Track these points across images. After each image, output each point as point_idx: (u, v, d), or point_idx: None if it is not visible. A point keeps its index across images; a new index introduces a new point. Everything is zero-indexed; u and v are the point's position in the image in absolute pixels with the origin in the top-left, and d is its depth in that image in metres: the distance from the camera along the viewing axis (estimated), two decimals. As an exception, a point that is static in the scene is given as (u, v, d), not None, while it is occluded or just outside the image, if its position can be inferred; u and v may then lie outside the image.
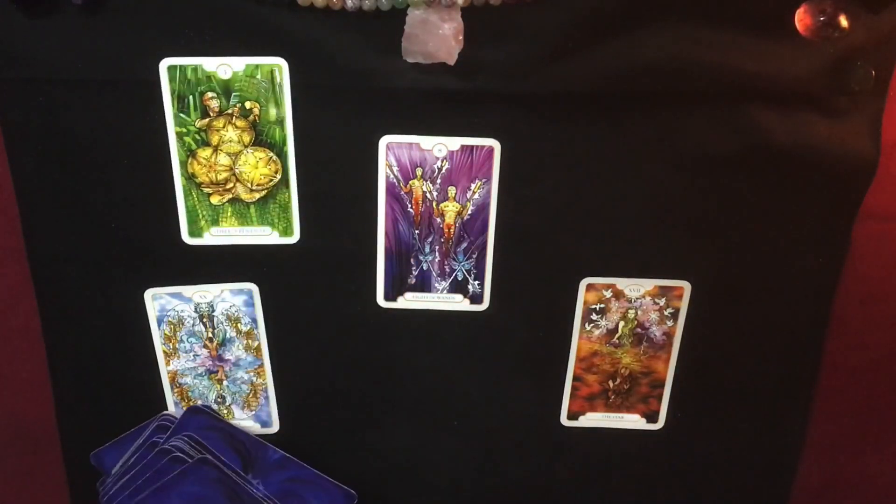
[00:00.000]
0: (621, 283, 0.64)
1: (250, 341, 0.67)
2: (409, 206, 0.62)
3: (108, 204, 0.61)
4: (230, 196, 0.62)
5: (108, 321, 0.65)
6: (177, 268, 0.64)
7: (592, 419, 0.70)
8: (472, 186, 0.61)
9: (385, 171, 0.61)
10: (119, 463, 0.66)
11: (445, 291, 0.65)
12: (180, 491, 0.61)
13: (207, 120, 0.59)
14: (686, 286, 0.64)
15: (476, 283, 0.64)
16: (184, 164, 0.60)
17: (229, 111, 0.59)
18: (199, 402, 0.68)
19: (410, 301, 0.65)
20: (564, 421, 0.70)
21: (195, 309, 0.66)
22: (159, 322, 0.66)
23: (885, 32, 0.56)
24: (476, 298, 0.65)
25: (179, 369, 0.68)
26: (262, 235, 0.63)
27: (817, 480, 0.72)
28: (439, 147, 0.60)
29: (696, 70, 0.57)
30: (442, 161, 0.60)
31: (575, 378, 0.68)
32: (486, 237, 0.63)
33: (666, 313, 0.65)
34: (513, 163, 0.60)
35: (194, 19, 0.56)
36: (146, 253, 0.63)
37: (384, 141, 0.60)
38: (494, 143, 0.60)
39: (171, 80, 0.57)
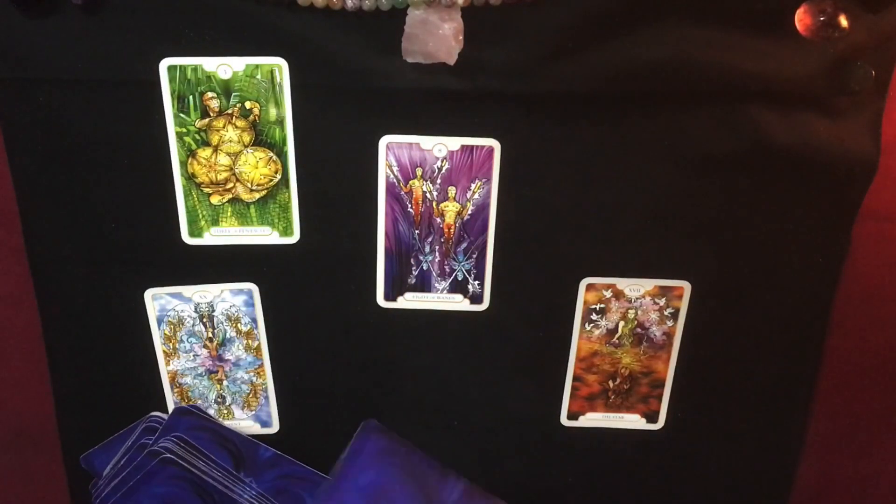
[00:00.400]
0: (621, 283, 0.64)
1: (250, 341, 0.67)
2: (409, 206, 0.62)
3: (108, 204, 0.61)
4: (230, 196, 0.62)
5: (108, 321, 0.65)
6: (177, 268, 0.64)
7: (592, 419, 0.70)
8: (472, 186, 0.61)
9: (385, 171, 0.61)
10: (109, 465, 0.66)
11: (445, 291, 0.65)
12: (148, 493, 0.61)
13: (207, 120, 0.59)
14: (686, 286, 0.64)
15: (476, 283, 0.64)
16: (184, 164, 0.60)
17: (229, 111, 0.59)
18: (187, 403, 0.68)
19: (410, 301, 0.65)
20: (564, 421, 0.70)
21: (195, 309, 0.66)
22: (159, 322, 0.66)
23: (885, 32, 0.56)
24: (476, 298, 0.65)
25: (179, 369, 0.68)
26: (262, 235, 0.63)
27: (817, 480, 0.72)
28: (439, 147, 0.60)
29: (696, 70, 0.57)
30: (442, 161, 0.60)
31: (575, 378, 0.68)
32: (486, 237, 0.63)
33: (666, 313, 0.65)
34: (513, 163, 0.60)
35: (194, 19, 0.56)
36: (146, 253, 0.63)
37: (384, 141, 0.60)
38: (494, 143, 0.60)
39: (171, 80, 0.57)
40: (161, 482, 0.61)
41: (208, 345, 0.67)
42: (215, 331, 0.67)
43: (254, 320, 0.66)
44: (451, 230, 0.63)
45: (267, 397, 0.69)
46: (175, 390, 0.68)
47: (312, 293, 0.65)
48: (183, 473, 0.61)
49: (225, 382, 0.69)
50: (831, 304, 0.66)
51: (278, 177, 0.61)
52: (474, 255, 0.63)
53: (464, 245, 0.63)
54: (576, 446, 0.70)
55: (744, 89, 0.57)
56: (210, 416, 0.67)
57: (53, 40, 0.56)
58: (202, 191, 0.61)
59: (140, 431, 0.66)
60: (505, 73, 0.57)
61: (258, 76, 0.58)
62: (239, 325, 0.66)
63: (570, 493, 0.72)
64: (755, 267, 0.64)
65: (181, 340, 0.67)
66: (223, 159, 0.60)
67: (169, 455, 0.61)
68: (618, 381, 0.68)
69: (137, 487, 0.61)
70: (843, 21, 0.55)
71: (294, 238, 0.63)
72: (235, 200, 0.62)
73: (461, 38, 0.55)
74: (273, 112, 0.59)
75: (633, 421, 0.70)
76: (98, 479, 0.66)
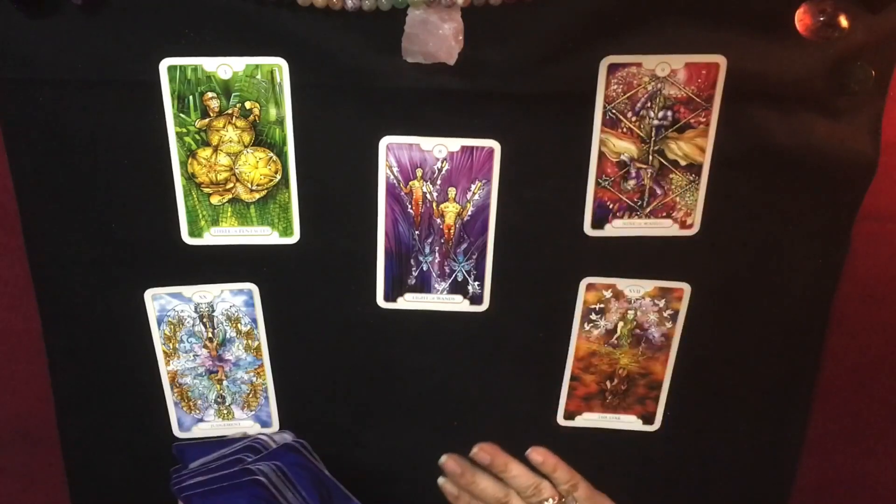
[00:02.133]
0: (621, 284, 0.64)
1: (250, 341, 0.67)
2: (409, 206, 0.62)
3: (108, 204, 0.61)
4: (230, 196, 0.62)
5: (108, 321, 0.65)
6: (177, 268, 0.64)
7: (589, 419, 0.70)
8: (473, 187, 0.61)
9: (385, 171, 0.61)
10: (199, 461, 0.66)
11: (445, 292, 0.65)
12: (228, 501, 0.61)
13: (207, 120, 0.59)
14: (686, 288, 0.64)
15: (476, 283, 0.64)
16: (184, 164, 0.60)
17: (229, 111, 0.59)
18: (290, 438, 0.68)
19: (410, 302, 0.65)
20: (560, 420, 0.70)
21: (195, 309, 0.66)
22: (159, 322, 0.66)
23: (885, 32, 0.56)
24: (476, 299, 0.65)
25: (179, 369, 0.68)
26: (262, 235, 0.63)
27: (817, 480, 0.72)
28: (439, 148, 0.60)
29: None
30: (442, 162, 0.60)
31: (572, 378, 0.68)
32: (486, 238, 0.63)
33: (665, 315, 0.65)
34: (513, 163, 0.60)
35: (194, 19, 0.56)
36: (146, 253, 0.63)
37: (384, 141, 0.60)
38: (494, 144, 0.60)
39: (171, 80, 0.57)
40: (244, 497, 0.61)
41: (208, 345, 0.67)
42: (215, 331, 0.67)
43: (254, 320, 0.66)
44: (451, 231, 0.63)
45: (267, 397, 0.69)
46: (175, 390, 0.68)
47: (312, 293, 0.65)
48: (268, 498, 0.61)
49: (225, 382, 0.69)
50: (831, 304, 0.66)
51: (278, 177, 0.61)
52: (474, 256, 0.63)
53: (464, 246, 0.63)
54: (572, 446, 0.70)
55: (744, 89, 0.57)
56: (315, 458, 0.66)
57: (53, 40, 0.56)
58: (202, 191, 0.61)
59: (241, 446, 0.66)
60: (505, 73, 0.57)
61: (258, 76, 0.58)
62: (239, 325, 0.66)
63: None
64: (755, 268, 0.64)
65: (181, 340, 0.67)
66: (223, 159, 0.61)
67: (262, 478, 0.61)
68: (615, 381, 0.68)
69: (220, 493, 0.61)
70: (843, 21, 0.55)
71: (294, 238, 0.63)
72: (235, 200, 0.62)
73: (461, 38, 0.55)
74: (273, 112, 0.59)
75: (629, 422, 0.70)
76: (182, 467, 0.66)
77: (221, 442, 0.67)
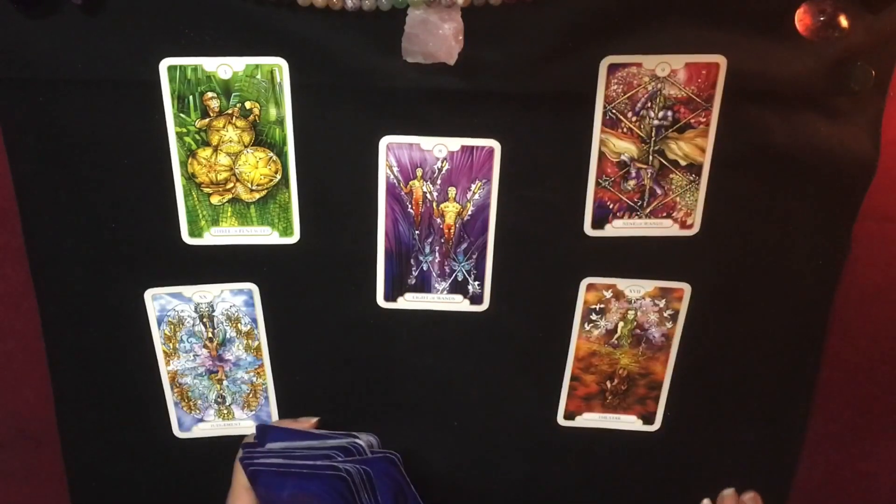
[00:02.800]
0: (622, 284, 0.64)
1: (250, 341, 0.67)
2: (410, 206, 0.62)
3: (108, 204, 0.61)
4: (230, 196, 0.62)
5: (108, 321, 0.65)
6: (177, 268, 0.64)
7: (589, 419, 0.70)
8: (473, 187, 0.61)
9: (385, 171, 0.61)
10: (281, 444, 0.64)
11: (445, 292, 0.65)
12: (299, 484, 0.60)
13: (207, 120, 0.59)
14: (686, 288, 0.64)
15: (476, 283, 0.64)
16: (184, 164, 0.60)
17: (229, 111, 0.59)
18: (375, 441, 0.67)
19: (410, 301, 0.65)
20: (561, 420, 0.70)
21: (195, 309, 0.66)
22: (159, 322, 0.66)
23: (885, 32, 0.56)
24: (476, 299, 0.65)
25: (179, 369, 0.68)
26: (262, 235, 0.63)
27: (817, 480, 0.72)
28: (439, 147, 0.60)
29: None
30: (442, 161, 0.61)
31: (572, 378, 0.68)
32: (486, 238, 0.63)
33: (665, 315, 0.65)
34: (513, 163, 0.60)
35: (194, 19, 0.56)
36: (146, 253, 0.63)
37: (384, 141, 0.60)
38: (494, 144, 0.60)
39: (171, 80, 0.57)
40: (321, 486, 0.60)
41: (208, 345, 0.67)
42: (215, 331, 0.67)
43: (254, 320, 0.66)
44: (452, 231, 0.63)
45: (267, 397, 0.69)
46: (175, 390, 0.68)
47: (312, 293, 0.65)
48: (344, 493, 0.60)
49: (225, 382, 0.69)
50: (831, 304, 0.66)
51: (278, 177, 0.61)
52: (474, 256, 0.63)
53: (464, 245, 0.63)
54: (572, 446, 0.70)
55: (744, 89, 0.57)
56: (407, 478, 0.64)
57: (53, 40, 0.56)
58: (202, 191, 0.61)
59: (336, 444, 0.64)
60: (505, 73, 0.57)
61: (258, 76, 0.58)
62: (239, 325, 0.66)
63: (566, 492, 0.72)
64: (755, 268, 0.64)
65: (181, 340, 0.67)
66: (223, 159, 0.61)
67: (346, 476, 0.60)
68: (615, 381, 0.68)
69: (295, 476, 0.60)
70: (843, 21, 0.55)
71: (294, 238, 0.63)
72: (235, 200, 0.62)
73: (461, 38, 0.55)
74: (273, 112, 0.59)
75: (629, 422, 0.70)
76: (256, 444, 0.65)
77: (312, 434, 0.65)
